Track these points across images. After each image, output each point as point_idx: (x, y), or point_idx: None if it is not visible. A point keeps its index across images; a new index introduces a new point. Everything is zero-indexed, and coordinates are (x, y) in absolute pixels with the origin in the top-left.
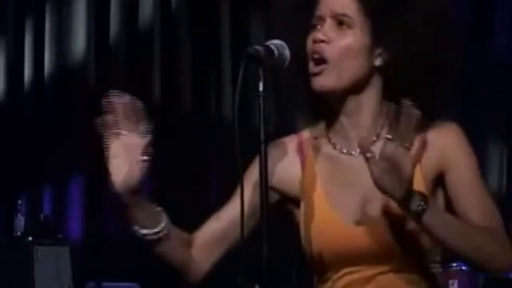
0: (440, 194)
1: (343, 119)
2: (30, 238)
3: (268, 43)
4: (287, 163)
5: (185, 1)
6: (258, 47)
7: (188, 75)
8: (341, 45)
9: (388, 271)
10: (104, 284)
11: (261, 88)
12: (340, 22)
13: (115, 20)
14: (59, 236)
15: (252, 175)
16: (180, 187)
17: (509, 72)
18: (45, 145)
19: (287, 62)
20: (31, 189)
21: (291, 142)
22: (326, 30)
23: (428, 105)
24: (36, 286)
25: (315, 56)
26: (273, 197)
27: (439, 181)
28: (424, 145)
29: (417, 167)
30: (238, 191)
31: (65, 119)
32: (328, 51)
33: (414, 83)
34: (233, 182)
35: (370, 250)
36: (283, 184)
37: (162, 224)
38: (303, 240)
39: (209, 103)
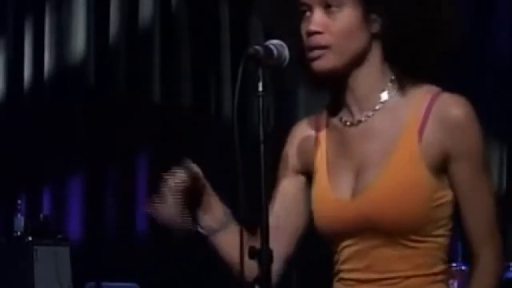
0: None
1: (346, 93)
2: (30, 238)
3: (267, 43)
4: (305, 143)
5: (185, 1)
6: (257, 47)
7: (188, 75)
8: (336, 30)
9: (382, 245)
10: (104, 284)
11: (260, 88)
12: (328, 5)
13: (115, 20)
14: (59, 236)
15: (286, 164)
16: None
17: (509, 71)
18: (45, 145)
19: (287, 61)
20: (31, 189)
21: (310, 120)
22: (316, 19)
23: (429, 69)
24: (35, 286)
25: (311, 49)
26: (301, 181)
27: (444, 163)
28: (429, 118)
29: (418, 152)
30: (279, 185)
31: (65, 119)
32: (325, 39)
33: (413, 43)
34: (233, 182)
35: (362, 222)
36: (304, 164)
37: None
38: (313, 218)
39: (209, 103)
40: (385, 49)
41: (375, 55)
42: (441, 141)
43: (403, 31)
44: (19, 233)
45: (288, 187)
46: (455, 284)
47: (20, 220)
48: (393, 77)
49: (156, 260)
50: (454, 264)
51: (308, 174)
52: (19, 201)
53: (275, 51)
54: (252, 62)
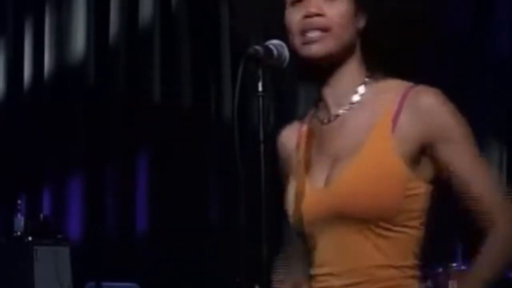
0: (426, 163)
1: (326, 89)
2: (30, 238)
3: (267, 43)
4: (288, 147)
5: (185, 1)
6: (257, 47)
7: (187, 75)
8: (334, 15)
9: (354, 234)
10: (104, 284)
11: (260, 88)
12: None
13: (114, 20)
14: (59, 236)
15: (284, 176)
16: (179, 186)
17: (509, 71)
18: (45, 145)
19: (287, 61)
20: (31, 189)
21: (294, 124)
22: (316, 2)
23: (406, 65)
24: (35, 286)
25: (310, 31)
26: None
27: (424, 150)
28: (402, 109)
29: (391, 142)
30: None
31: (64, 119)
32: (326, 22)
33: (391, 40)
34: (232, 181)
35: (334, 211)
36: (289, 170)
37: None
38: (287, 213)
39: (209, 103)
40: (365, 45)
41: (357, 51)
42: (416, 130)
43: (385, 29)
44: (19, 233)
45: None
46: (455, 284)
47: (20, 220)
48: (369, 74)
49: (156, 260)
50: (454, 264)
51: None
52: (19, 201)
53: (275, 51)
54: (252, 62)
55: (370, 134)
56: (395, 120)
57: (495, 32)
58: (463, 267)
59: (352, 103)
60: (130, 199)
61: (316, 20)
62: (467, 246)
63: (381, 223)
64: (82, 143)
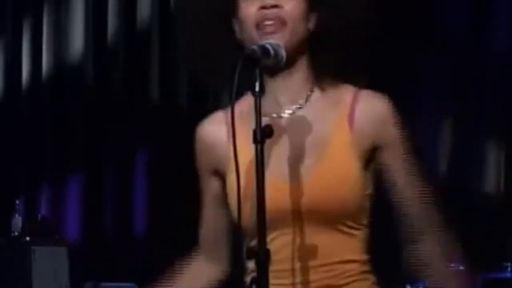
0: (371, 165)
1: (275, 83)
2: (27, 238)
3: (264, 43)
4: (216, 140)
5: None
6: (254, 47)
7: (186, 75)
8: (291, 7)
9: (318, 232)
10: (102, 284)
11: (257, 88)
12: None
13: (113, 20)
14: (57, 236)
15: (204, 170)
16: (178, 185)
17: (508, 71)
18: (43, 145)
19: (284, 61)
20: (28, 189)
21: (215, 118)
22: None
23: (354, 70)
24: (33, 286)
25: (269, 22)
26: (216, 186)
27: (373, 153)
28: (355, 114)
29: (351, 143)
30: (205, 191)
31: (63, 119)
32: (282, 14)
33: (340, 44)
34: None
35: (299, 209)
36: (218, 162)
37: None
38: (231, 213)
39: (207, 103)
40: (313, 48)
41: (307, 52)
42: (369, 133)
43: (334, 32)
44: (17, 233)
45: (212, 188)
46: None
47: (18, 220)
48: (318, 75)
49: (154, 260)
50: (452, 264)
51: (220, 171)
52: (17, 201)
53: (271, 51)
54: (249, 62)
55: (331, 136)
56: (351, 122)
57: (494, 32)
58: (461, 267)
59: (305, 102)
60: (128, 199)
61: (272, 11)
62: (465, 246)
63: (346, 221)
64: (80, 143)
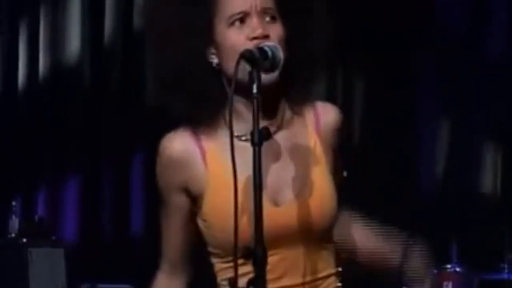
0: None
1: (246, 107)
2: (24, 240)
3: (262, 45)
4: (187, 158)
5: None
6: (252, 49)
7: None
8: (277, 35)
9: (304, 251)
10: (99, 285)
11: (255, 90)
12: (267, 15)
13: (109, 21)
14: (54, 237)
15: (168, 185)
16: None
17: (505, 73)
18: (40, 146)
19: (281, 63)
20: (25, 190)
21: (183, 135)
22: (261, 24)
23: (311, 87)
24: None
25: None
26: (183, 201)
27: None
28: (321, 129)
29: (325, 162)
30: (170, 205)
31: (60, 120)
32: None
33: (307, 67)
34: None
35: (286, 231)
36: (189, 179)
37: None
38: (211, 232)
39: None
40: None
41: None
42: (332, 142)
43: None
44: (13, 235)
45: (180, 204)
46: (450, 285)
47: (14, 222)
48: (286, 95)
49: (151, 262)
50: (448, 266)
51: (191, 189)
52: (13, 203)
53: (269, 53)
54: (247, 64)
55: (308, 156)
56: (319, 135)
57: (491, 34)
58: (458, 269)
59: (280, 123)
60: (126, 200)
61: (261, 41)
62: (462, 247)
63: (327, 237)
64: (78, 144)
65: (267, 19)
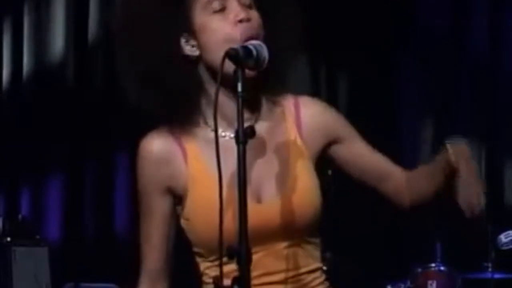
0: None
1: (228, 102)
2: (8, 239)
3: (246, 43)
4: (168, 157)
5: None
6: (236, 47)
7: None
8: (258, 22)
9: (289, 246)
10: (82, 285)
11: (239, 89)
12: (245, 3)
13: (94, 19)
14: (37, 236)
15: (150, 185)
16: None
17: (487, 70)
18: (23, 145)
19: (266, 62)
20: (9, 189)
21: (161, 134)
22: (243, 9)
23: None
24: (14, 287)
25: (246, 36)
26: (165, 204)
27: (322, 153)
28: (301, 123)
29: (307, 158)
30: (152, 210)
31: (43, 119)
32: (256, 29)
33: (284, 57)
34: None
35: (270, 228)
36: (170, 179)
37: None
38: (195, 231)
39: None
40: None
41: None
42: (319, 135)
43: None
44: None
45: (162, 207)
46: (434, 284)
47: None
48: (266, 90)
49: (135, 261)
50: (433, 265)
51: (174, 188)
52: None
53: (254, 51)
54: (232, 62)
55: (290, 154)
56: (299, 130)
57: (473, 31)
58: (442, 268)
59: (257, 121)
60: (109, 199)
61: (247, 26)
62: (446, 246)
63: (312, 233)
64: (61, 143)
65: (246, 3)
